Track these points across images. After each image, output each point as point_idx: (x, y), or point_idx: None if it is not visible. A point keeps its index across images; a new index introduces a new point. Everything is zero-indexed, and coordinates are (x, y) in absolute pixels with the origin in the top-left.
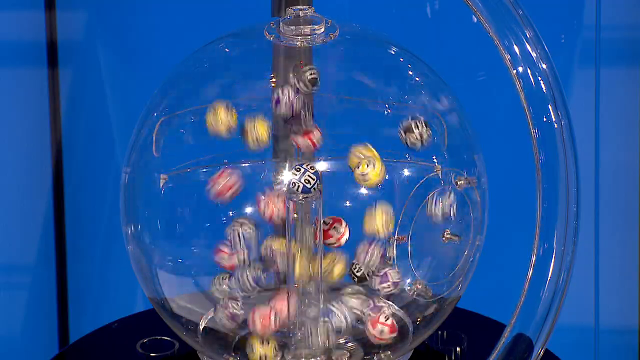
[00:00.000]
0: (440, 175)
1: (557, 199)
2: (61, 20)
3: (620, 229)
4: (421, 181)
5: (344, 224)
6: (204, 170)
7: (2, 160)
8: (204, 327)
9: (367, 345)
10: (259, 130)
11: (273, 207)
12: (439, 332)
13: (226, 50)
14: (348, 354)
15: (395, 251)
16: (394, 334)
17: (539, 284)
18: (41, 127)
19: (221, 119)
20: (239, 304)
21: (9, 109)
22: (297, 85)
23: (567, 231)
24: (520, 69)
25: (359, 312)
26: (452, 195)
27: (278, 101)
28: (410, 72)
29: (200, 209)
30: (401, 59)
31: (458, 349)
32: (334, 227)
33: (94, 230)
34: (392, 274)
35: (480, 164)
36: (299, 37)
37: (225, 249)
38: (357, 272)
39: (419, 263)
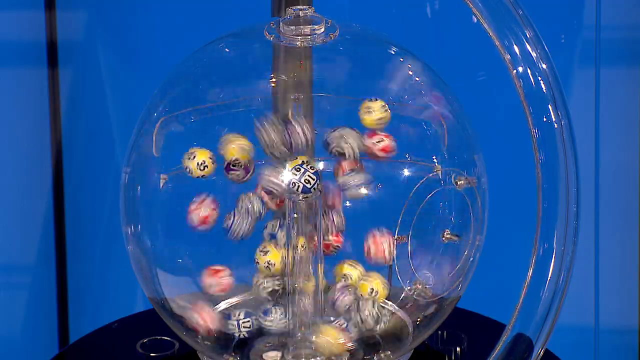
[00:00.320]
0: (440, 175)
1: (557, 199)
2: (61, 20)
3: (620, 229)
4: (421, 181)
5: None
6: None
7: (2, 160)
8: None
9: (367, 345)
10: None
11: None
12: (439, 332)
13: (226, 50)
14: (348, 354)
15: (395, 251)
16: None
17: (539, 284)
18: (41, 127)
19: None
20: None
21: (9, 109)
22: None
23: (567, 231)
24: (520, 69)
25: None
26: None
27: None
28: (410, 72)
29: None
30: (401, 59)
31: (458, 349)
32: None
33: (94, 230)
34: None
35: (480, 164)
36: (299, 37)
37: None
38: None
39: (419, 263)
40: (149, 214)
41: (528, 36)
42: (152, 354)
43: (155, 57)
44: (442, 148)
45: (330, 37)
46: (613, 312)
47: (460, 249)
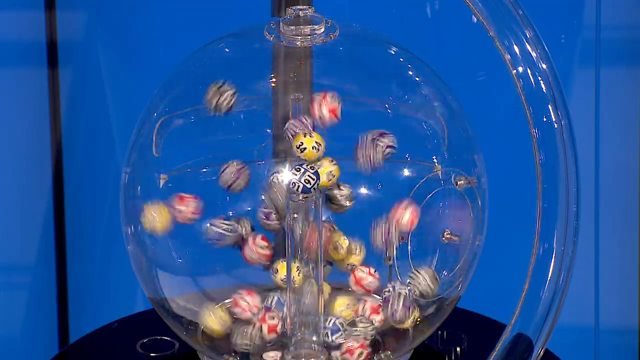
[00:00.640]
0: (440, 175)
1: (557, 199)
2: (61, 20)
3: (620, 229)
4: (421, 181)
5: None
6: (204, 170)
7: (2, 160)
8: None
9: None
10: None
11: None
12: (439, 332)
13: (226, 50)
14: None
15: (395, 251)
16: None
17: (539, 284)
18: (41, 127)
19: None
20: None
21: (9, 109)
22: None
23: (567, 231)
24: (520, 69)
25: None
26: None
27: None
28: (410, 72)
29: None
30: (401, 59)
31: (458, 349)
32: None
33: (94, 230)
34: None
35: (480, 164)
36: (299, 37)
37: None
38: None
39: (419, 263)
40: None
41: (528, 36)
42: (152, 354)
43: (155, 57)
44: (442, 148)
45: (330, 37)
46: (613, 312)
47: (460, 249)
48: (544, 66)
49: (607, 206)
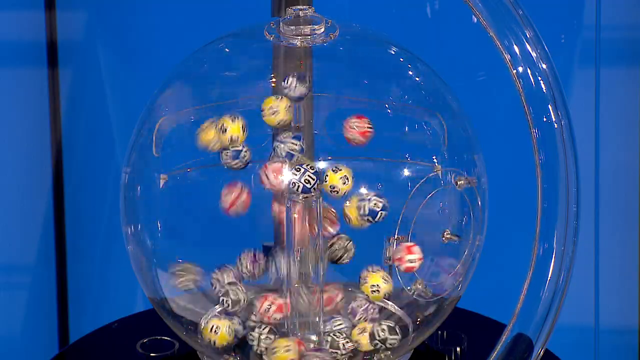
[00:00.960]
0: (440, 175)
1: (557, 199)
2: (61, 20)
3: (620, 229)
4: (421, 181)
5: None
6: (204, 170)
7: (2, 160)
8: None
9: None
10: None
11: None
12: (439, 332)
13: (226, 50)
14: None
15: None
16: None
17: (539, 284)
18: (41, 127)
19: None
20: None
21: (9, 109)
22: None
23: (567, 231)
24: (520, 69)
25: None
26: None
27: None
28: (410, 72)
29: (200, 209)
30: (401, 59)
31: (458, 349)
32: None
33: (94, 230)
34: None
35: (480, 164)
36: (299, 37)
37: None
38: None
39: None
40: (149, 214)
41: (528, 36)
42: (152, 354)
43: (155, 57)
44: (442, 148)
45: (330, 37)
46: (613, 312)
47: (460, 249)
48: (544, 66)
49: (607, 206)
